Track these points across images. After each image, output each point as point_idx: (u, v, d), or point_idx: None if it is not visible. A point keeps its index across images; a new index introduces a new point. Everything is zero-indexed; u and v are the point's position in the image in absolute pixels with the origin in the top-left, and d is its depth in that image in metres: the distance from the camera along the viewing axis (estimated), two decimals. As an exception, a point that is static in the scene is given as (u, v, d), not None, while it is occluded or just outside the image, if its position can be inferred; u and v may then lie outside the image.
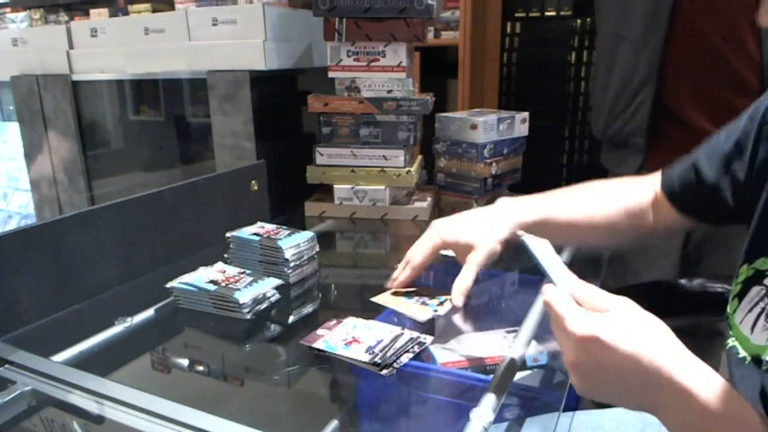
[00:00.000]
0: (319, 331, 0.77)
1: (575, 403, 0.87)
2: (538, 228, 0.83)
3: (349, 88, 1.34)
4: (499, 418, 0.59)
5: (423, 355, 0.75)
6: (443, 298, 0.88)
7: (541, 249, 0.67)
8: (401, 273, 0.90)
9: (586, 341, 0.52)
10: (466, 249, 0.85)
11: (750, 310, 0.61)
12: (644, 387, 0.52)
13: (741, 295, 0.63)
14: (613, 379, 0.53)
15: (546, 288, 0.58)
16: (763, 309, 0.60)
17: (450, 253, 0.89)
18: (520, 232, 0.76)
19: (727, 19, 1.22)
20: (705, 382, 0.51)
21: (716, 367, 1.54)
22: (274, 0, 1.56)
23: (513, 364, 0.64)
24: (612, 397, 0.55)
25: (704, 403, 0.50)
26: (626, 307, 0.54)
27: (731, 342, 0.62)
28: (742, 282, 0.63)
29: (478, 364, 0.79)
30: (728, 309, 0.65)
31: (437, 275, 1.06)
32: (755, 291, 0.61)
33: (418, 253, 0.89)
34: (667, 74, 1.28)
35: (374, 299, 0.89)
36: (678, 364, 0.52)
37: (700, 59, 1.26)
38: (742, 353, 0.60)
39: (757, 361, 0.58)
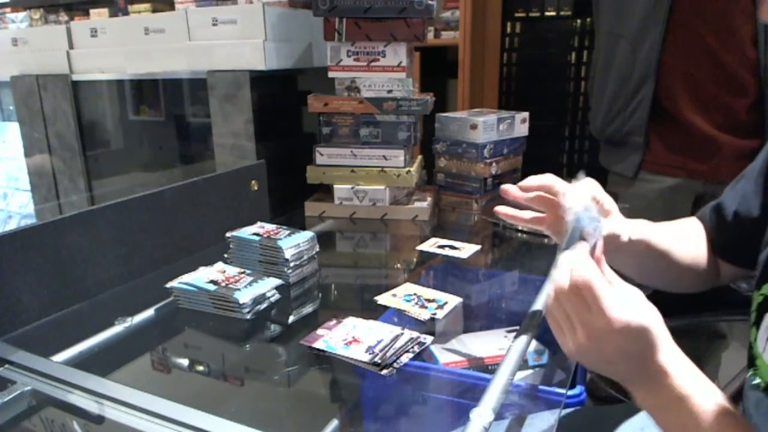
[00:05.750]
0: (319, 331, 0.77)
1: (576, 402, 0.86)
2: (634, 247, 0.75)
3: (349, 88, 1.34)
4: (499, 418, 0.59)
5: (424, 355, 0.75)
6: (442, 301, 0.89)
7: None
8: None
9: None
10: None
11: None
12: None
13: (758, 323, 0.61)
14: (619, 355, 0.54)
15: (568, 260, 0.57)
16: None
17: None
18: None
19: (724, 19, 1.22)
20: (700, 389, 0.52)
21: (716, 368, 1.53)
22: (274, 0, 1.56)
23: (513, 364, 0.64)
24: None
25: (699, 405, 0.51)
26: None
27: (752, 371, 0.61)
28: (756, 310, 0.62)
29: (478, 364, 0.79)
30: (750, 337, 0.63)
31: (437, 275, 1.06)
32: None
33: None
34: (663, 74, 1.28)
35: (377, 299, 0.89)
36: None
37: (697, 59, 1.26)
38: (758, 380, 0.59)
39: None
